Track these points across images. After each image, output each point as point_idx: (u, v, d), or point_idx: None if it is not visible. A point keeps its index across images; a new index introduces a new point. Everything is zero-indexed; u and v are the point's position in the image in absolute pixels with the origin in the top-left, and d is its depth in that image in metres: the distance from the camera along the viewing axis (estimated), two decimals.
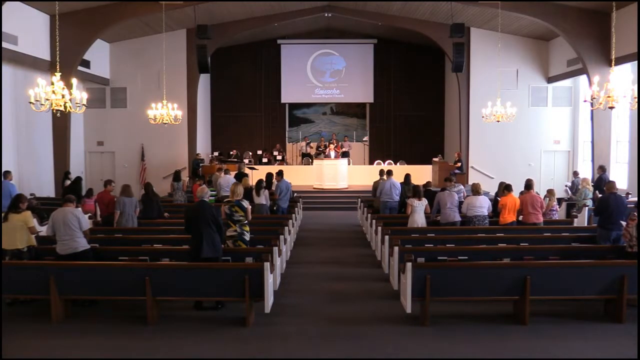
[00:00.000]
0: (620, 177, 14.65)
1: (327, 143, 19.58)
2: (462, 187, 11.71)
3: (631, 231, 6.89)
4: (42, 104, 8.58)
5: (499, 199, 9.79)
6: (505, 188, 9.59)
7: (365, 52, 22.03)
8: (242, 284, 6.11)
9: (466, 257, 7.40)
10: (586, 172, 15.76)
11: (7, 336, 5.79)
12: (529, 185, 9.50)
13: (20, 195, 7.43)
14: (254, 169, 16.55)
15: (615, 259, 7.04)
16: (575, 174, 13.98)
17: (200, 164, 17.34)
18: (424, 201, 9.60)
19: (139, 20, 15.84)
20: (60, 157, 14.81)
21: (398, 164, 18.84)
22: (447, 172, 13.61)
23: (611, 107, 9.13)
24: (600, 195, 10.05)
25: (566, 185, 14.75)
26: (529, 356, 5.35)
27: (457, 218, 9.52)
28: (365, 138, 22.27)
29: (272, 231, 9.01)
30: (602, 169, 12.95)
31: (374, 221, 10.37)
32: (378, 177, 12.18)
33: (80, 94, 9.12)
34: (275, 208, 11.25)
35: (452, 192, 9.86)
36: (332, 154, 17.74)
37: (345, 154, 18.84)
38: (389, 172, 11.56)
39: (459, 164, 16.79)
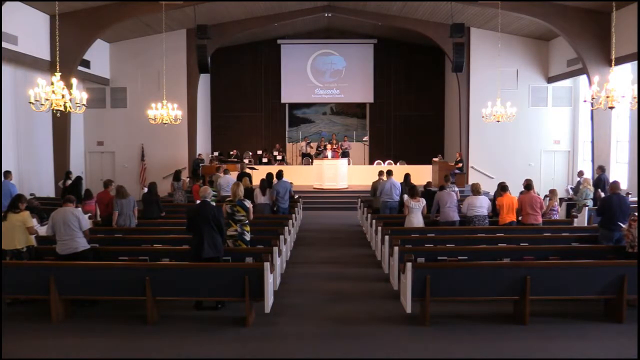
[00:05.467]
0: (620, 177, 14.62)
1: (326, 143, 19.58)
2: (456, 188, 11.71)
3: (634, 232, 6.89)
4: (42, 104, 8.58)
5: (496, 202, 9.75)
6: (501, 189, 9.60)
7: (365, 52, 22.03)
8: (242, 284, 6.12)
9: (466, 257, 7.40)
10: (586, 172, 15.74)
11: (7, 336, 5.79)
12: (528, 185, 9.50)
13: (20, 196, 7.42)
14: (254, 169, 16.54)
15: (616, 259, 7.04)
16: (580, 173, 13.93)
17: (200, 164, 17.34)
18: (422, 201, 9.55)
19: (139, 20, 15.85)
20: (60, 157, 14.82)
21: (398, 164, 18.84)
22: (447, 172, 13.59)
23: (611, 107, 9.13)
24: (602, 195, 10.04)
25: (570, 187, 14.73)
26: (528, 356, 5.35)
27: (456, 217, 9.52)
28: (365, 138, 22.28)
29: (272, 231, 9.01)
30: (602, 169, 12.94)
31: (374, 221, 10.37)
32: (377, 178, 12.17)
33: (80, 94, 9.12)
34: (275, 209, 11.25)
35: (451, 191, 9.85)
36: (330, 154, 17.71)
37: (345, 154, 18.84)
38: (389, 172, 11.56)
39: (460, 165, 16.79)
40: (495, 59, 16.63)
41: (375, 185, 12.02)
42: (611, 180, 10.67)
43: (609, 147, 14.87)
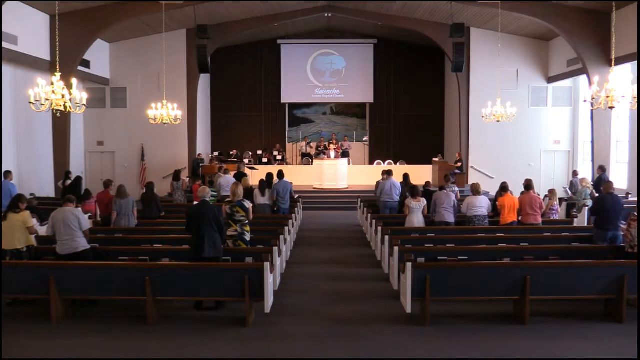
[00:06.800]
0: (620, 177, 14.66)
1: (327, 143, 19.58)
2: (456, 188, 11.71)
3: (633, 232, 6.89)
4: (42, 104, 8.58)
5: (497, 202, 9.74)
6: (502, 189, 9.59)
7: (365, 52, 22.03)
8: (242, 284, 6.11)
9: (466, 257, 7.40)
10: (586, 172, 15.76)
11: (7, 336, 5.79)
12: (528, 185, 9.50)
13: (20, 196, 7.42)
14: (254, 169, 16.55)
15: (615, 259, 7.04)
16: (575, 173, 13.98)
17: (200, 164, 17.35)
18: (423, 202, 9.55)
19: (139, 20, 15.85)
20: (60, 157, 14.82)
21: (398, 164, 18.84)
22: (447, 172, 13.58)
23: (611, 107, 9.13)
24: (597, 195, 10.05)
25: (564, 188, 14.77)
26: (528, 356, 5.35)
27: (451, 219, 9.47)
28: (365, 138, 22.28)
29: (272, 231, 9.01)
30: (602, 169, 12.95)
31: (374, 221, 10.36)
32: (379, 178, 12.15)
33: (80, 94, 9.12)
34: (275, 209, 11.25)
35: (449, 192, 9.83)
36: (332, 153, 17.74)
37: (345, 154, 18.85)
38: (389, 172, 11.56)
39: (460, 164, 16.79)
40: (495, 59, 16.63)
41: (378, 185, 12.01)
42: (611, 180, 10.68)
43: (609, 147, 14.87)
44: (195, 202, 7.48)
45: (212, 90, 21.93)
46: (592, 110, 13.76)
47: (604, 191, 8.24)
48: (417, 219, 9.48)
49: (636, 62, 12.66)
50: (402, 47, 21.86)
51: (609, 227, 7.88)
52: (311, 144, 20.96)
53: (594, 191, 11.60)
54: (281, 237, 8.68)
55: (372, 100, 22.27)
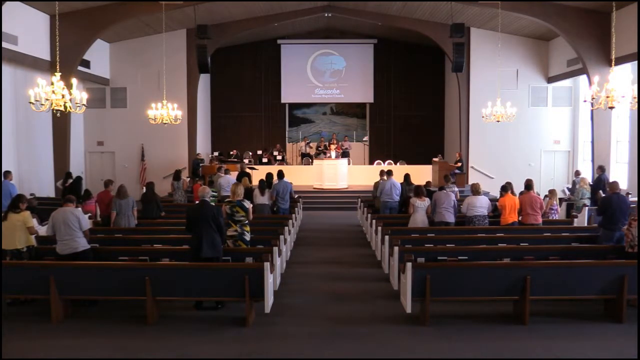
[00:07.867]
0: (620, 177, 14.63)
1: (328, 143, 19.57)
2: (456, 188, 11.71)
3: (633, 232, 6.89)
4: (42, 104, 8.57)
5: (497, 203, 9.74)
6: (502, 189, 9.59)
7: (365, 52, 22.03)
8: (242, 284, 6.11)
9: (466, 257, 7.40)
10: (586, 172, 15.76)
11: (7, 336, 5.79)
12: (528, 185, 9.50)
13: (20, 196, 7.43)
14: (254, 169, 16.54)
15: (616, 259, 7.04)
16: (577, 173, 13.97)
17: (200, 164, 17.35)
18: (427, 201, 9.57)
19: (139, 20, 15.85)
20: (60, 157, 14.82)
21: (398, 164, 18.84)
22: (447, 172, 13.58)
23: (611, 107, 9.13)
24: (603, 195, 10.04)
25: (564, 188, 14.77)
26: (529, 356, 5.35)
27: (451, 219, 9.47)
28: (365, 138, 22.28)
29: (272, 231, 9.01)
30: (602, 169, 12.94)
31: (374, 221, 10.36)
32: (378, 178, 12.18)
33: (80, 94, 9.12)
34: (275, 209, 11.25)
35: (449, 192, 9.83)
36: (334, 154, 17.74)
37: (345, 154, 18.86)
38: (389, 172, 11.56)
39: (460, 164, 16.79)
40: (495, 59, 16.63)
41: (376, 186, 12.02)
42: (611, 180, 10.67)
43: (609, 147, 14.86)
44: (196, 202, 7.48)
45: (212, 90, 21.93)
46: (592, 110, 13.75)
47: (610, 191, 8.22)
48: (421, 218, 9.50)
49: (636, 62, 12.66)
50: (402, 47, 21.86)
51: (616, 227, 7.85)
52: (311, 144, 20.96)
53: (600, 192, 11.58)
54: (281, 237, 8.68)
55: (372, 100, 22.27)
